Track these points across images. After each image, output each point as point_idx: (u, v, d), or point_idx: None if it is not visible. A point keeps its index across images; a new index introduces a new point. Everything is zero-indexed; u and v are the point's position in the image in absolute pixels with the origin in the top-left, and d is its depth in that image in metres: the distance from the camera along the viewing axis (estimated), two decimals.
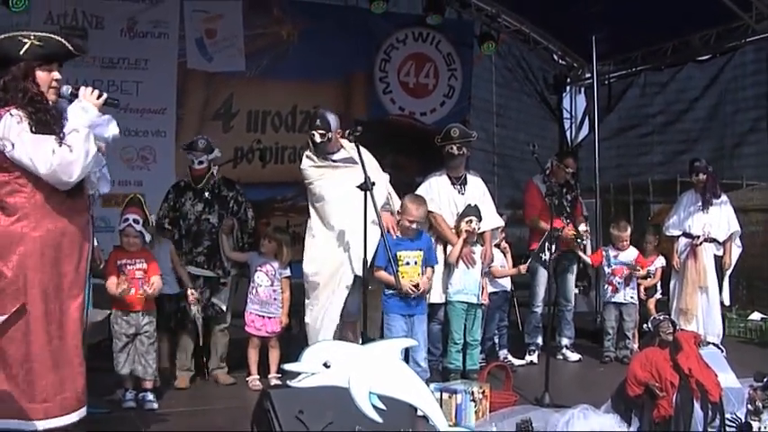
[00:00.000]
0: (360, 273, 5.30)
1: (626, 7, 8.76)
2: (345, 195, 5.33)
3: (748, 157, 10.01)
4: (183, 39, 8.50)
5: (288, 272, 6.20)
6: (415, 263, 5.55)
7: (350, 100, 9.51)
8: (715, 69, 10.12)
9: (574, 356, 7.40)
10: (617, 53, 10.66)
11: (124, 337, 5.39)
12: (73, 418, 3.58)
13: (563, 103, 11.88)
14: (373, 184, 4.89)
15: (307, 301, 5.70)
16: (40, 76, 3.65)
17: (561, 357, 7.37)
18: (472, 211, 6.14)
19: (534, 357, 7.25)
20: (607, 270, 7.53)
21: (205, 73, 8.67)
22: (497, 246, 6.81)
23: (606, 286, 7.57)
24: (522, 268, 6.93)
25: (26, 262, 3.50)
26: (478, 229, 6.16)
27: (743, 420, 4.57)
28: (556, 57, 11.42)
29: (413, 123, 9.91)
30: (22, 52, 3.54)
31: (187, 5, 8.52)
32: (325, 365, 3.17)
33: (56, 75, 3.71)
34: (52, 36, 3.65)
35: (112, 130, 3.83)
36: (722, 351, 6.40)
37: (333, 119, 5.69)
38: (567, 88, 11.85)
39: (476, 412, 4.99)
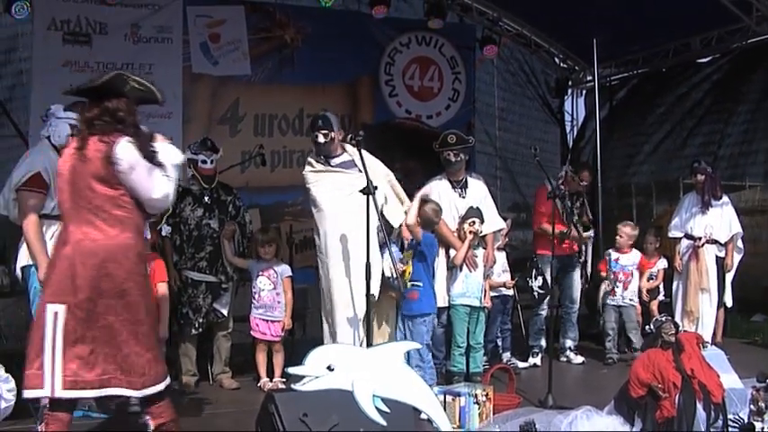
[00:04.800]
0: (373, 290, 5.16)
1: (627, 10, 8.78)
2: (338, 201, 5.41)
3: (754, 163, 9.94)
4: (187, 43, 8.49)
5: (289, 272, 6.26)
6: (405, 261, 5.52)
7: (357, 103, 9.47)
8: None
9: (577, 359, 7.41)
10: (618, 56, 10.67)
11: None
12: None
13: (564, 106, 11.89)
14: (375, 188, 4.90)
15: (322, 312, 5.68)
16: None
17: (564, 359, 7.38)
18: (474, 212, 6.17)
19: (537, 360, 7.27)
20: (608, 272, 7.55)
21: (210, 77, 8.66)
22: (500, 248, 6.84)
23: (606, 289, 7.59)
24: (509, 283, 6.97)
25: (133, 269, 3.75)
26: (480, 231, 6.19)
27: (746, 421, 4.60)
28: (557, 60, 11.42)
29: (420, 127, 9.88)
30: (126, 89, 3.79)
31: (190, 11, 8.52)
32: (329, 368, 3.20)
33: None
34: (147, 83, 3.91)
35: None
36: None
37: (334, 119, 5.74)
38: (569, 91, 11.85)
39: (479, 415, 5.02)
